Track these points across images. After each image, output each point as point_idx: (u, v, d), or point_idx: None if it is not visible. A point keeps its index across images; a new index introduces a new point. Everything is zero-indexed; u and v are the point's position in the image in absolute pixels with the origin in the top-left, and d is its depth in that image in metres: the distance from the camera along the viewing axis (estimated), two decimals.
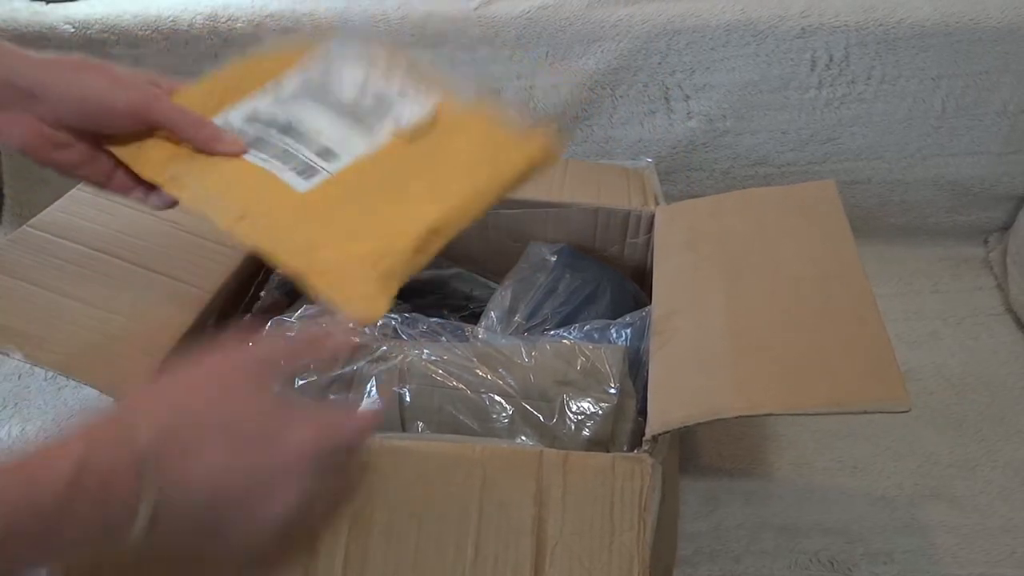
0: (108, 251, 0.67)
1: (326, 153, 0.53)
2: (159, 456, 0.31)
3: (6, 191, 1.15)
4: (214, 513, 0.33)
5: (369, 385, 0.62)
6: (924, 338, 0.97)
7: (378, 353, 0.64)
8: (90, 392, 0.56)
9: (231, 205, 0.49)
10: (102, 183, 0.52)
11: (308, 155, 0.53)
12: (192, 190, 0.51)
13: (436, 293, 0.82)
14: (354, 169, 0.53)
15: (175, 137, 0.52)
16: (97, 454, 0.30)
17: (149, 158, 0.51)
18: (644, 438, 0.52)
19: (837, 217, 0.67)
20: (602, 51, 1.01)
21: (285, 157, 0.53)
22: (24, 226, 0.67)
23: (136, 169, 0.52)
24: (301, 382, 0.64)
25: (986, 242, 1.10)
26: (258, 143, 0.53)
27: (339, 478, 0.42)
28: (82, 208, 0.70)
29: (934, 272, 1.07)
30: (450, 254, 0.82)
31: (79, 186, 0.72)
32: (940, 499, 0.79)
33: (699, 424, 0.52)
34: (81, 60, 0.49)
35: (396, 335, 0.70)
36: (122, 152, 0.51)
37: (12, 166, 1.14)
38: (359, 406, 0.57)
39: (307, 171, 0.52)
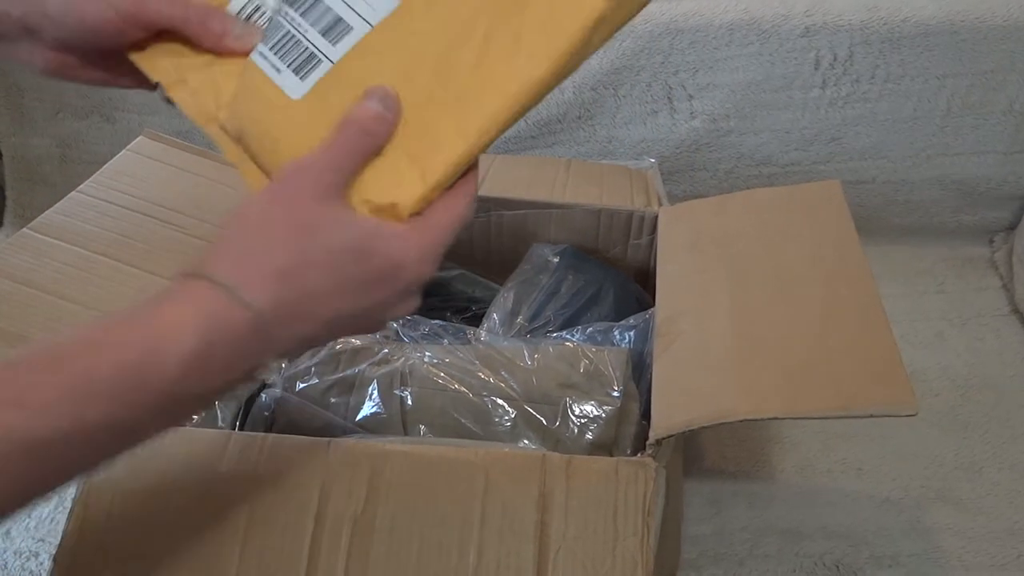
0: (108, 254, 0.66)
1: (334, 28, 0.41)
2: (279, 321, 0.33)
3: (8, 193, 1.15)
4: (333, 337, 0.39)
5: (371, 388, 0.62)
6: (929, 339, 0.96)
7: (379, 356, 0.64)
8: None
9: (231, 125, 0.42)
10: (150, 88, 0.46)
11: (311, 37, 0.41)
12: (193, 101, 0.44)
13: (439, 295, 0.81)
14: (363, 49, 0.40)
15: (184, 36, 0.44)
16: (217, 329, 0.32)
17: (158, 63, 0.44)
18: (648, 441, 0.51)
19: (842, 217, 0.67)
20: (604, 50, 1.00)
21: (286, 47, 0.42)
22: (24, 228, 0.66)
23: (149, 75, 0.45)
24: (302, 385, 0.64)
25: (991, 242, 1.10)
26: (269, 28, 0.43)
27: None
28: (82, 210, 0.70)
29: (939, 272, 1.06)
30: (452, 255, 0.81)
31: (80, 188, 0.72)
32: (945, 502, 0.78)
33: (703, 427, 0.51)
34: None
35: (397, 337, 0.69)
36: (138, 59, 0.45)
37: (14, 168, 1.14)
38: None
39: (305, 64, 0.41)
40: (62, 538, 0.49)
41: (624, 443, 0.59)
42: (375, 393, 0.62)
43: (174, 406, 0.32)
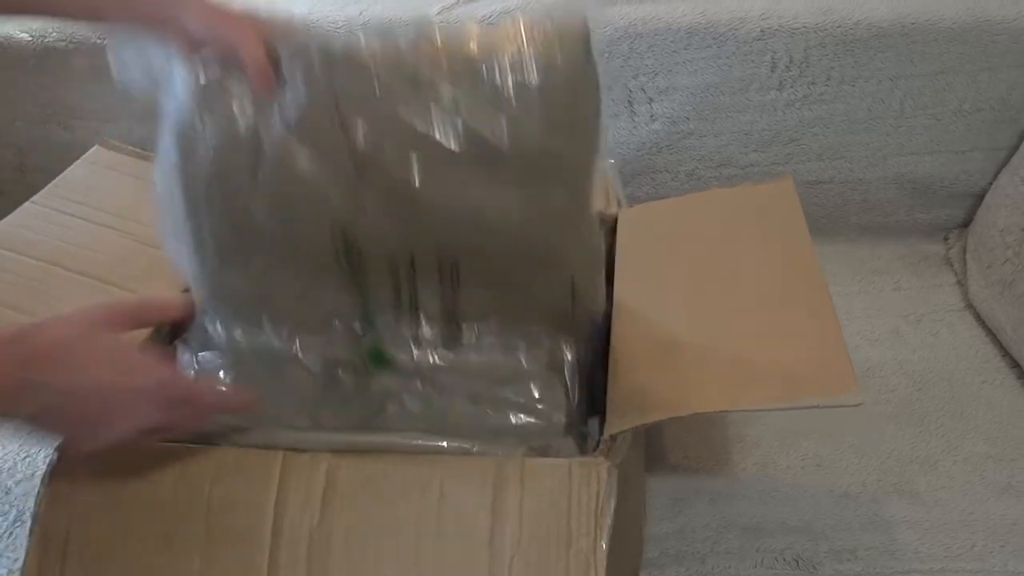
0: (62, 264, 0.66)
1: None
2: (41, 378, 0.41)
3: None
4: (78, 421, 0.43)
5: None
6: (886, 335, 0.98)
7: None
8: None
9: None
10: None
11: None
12: None
13: None
14: None
15: None
16: None
17: None
18: (602, 438, 0.52)
19: (795, 214, 0.68)
20: None
21: None
22: None
23: None
24: None
25: (946, 239, 1.12)
26: None
27: (179, 419, 0.49)
28: (36, 221, 0.70)
29: (895, 270, 1.08)
30: None
31: (33, 199, 0.71)
32: (902, 495, 0.80)
33: (658, 423, 0.52)
34: None
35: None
36: None
37: None
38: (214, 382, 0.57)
39: None
40: (26, 556, 0.49)
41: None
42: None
43: None
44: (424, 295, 0.57)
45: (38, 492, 0.51)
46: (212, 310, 0.59)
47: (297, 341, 0.59)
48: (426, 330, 0.59)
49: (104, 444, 0.44)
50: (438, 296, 0.57)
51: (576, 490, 0.48)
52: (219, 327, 0.59)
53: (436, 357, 0.59)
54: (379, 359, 0.59)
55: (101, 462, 0.51)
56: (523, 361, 0.59)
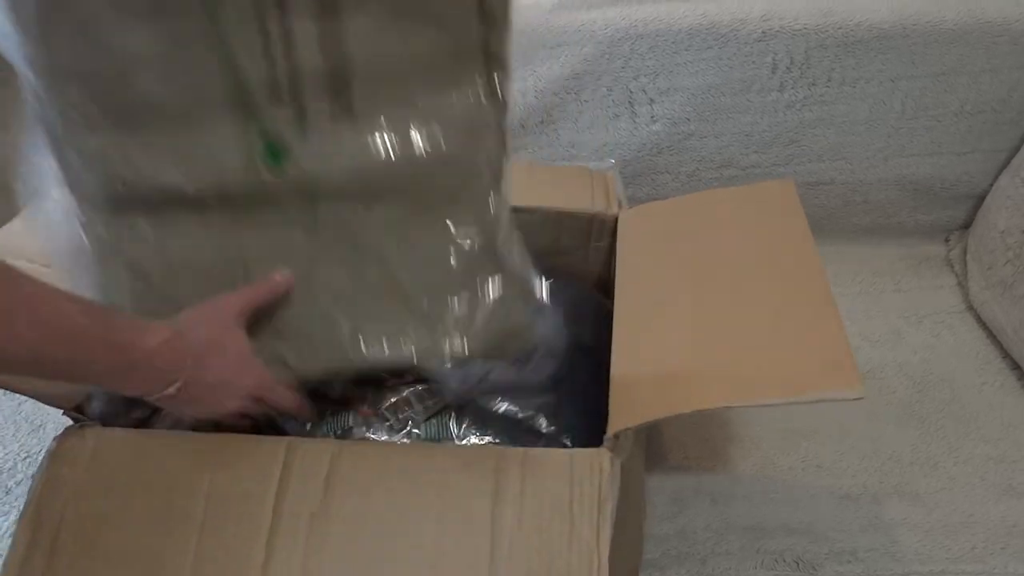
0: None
1: None
2: (196, 361, 0.50)
3: None
4: (201, 403, 0.52)
5: None
6: (887, 337, 0.98)
7: None
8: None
9: None
10: None
11: None
12: None
13: None
14: None
15: None
16: (162, 354, 0.48)
17: None
18: (605, 436, 0.52)
19: (796, 215, 0.68)
20: (566, 56, 1.01)
21: None
22: None
23: None
24: None
25: (947, 241, 1.12)
26: None
27: (260, 411, 0.56)
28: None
29: (896, 271, 1.08)
30: None
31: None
32: (903, 496, 0.80)
33: (660, 421, 0.52)
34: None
35: None
36: None
37: None
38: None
39: None
40: (13, 540, 0.49)
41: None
42: None
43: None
44: (300, 35, 0.48)
45: (33, 477, 0.51)
46: (54, 109, 0.50)
47: (185, 171, 0.51)
48: (311, 101, 0.50)
49: (207, 419, 0.54)
50: (315, 38, 0.48)
51: (578, 479, 0.49)
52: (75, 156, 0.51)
53: (330, 142, 0.51)
54: (275, 153, 0.51)
55: (102, 448, 0.52)
56: (442, 143, 0.52)
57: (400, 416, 0.66)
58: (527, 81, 1.03)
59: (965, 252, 1.07)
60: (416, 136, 0.52)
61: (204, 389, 0.51)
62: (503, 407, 0.62)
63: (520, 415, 0.62)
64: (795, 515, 0.78)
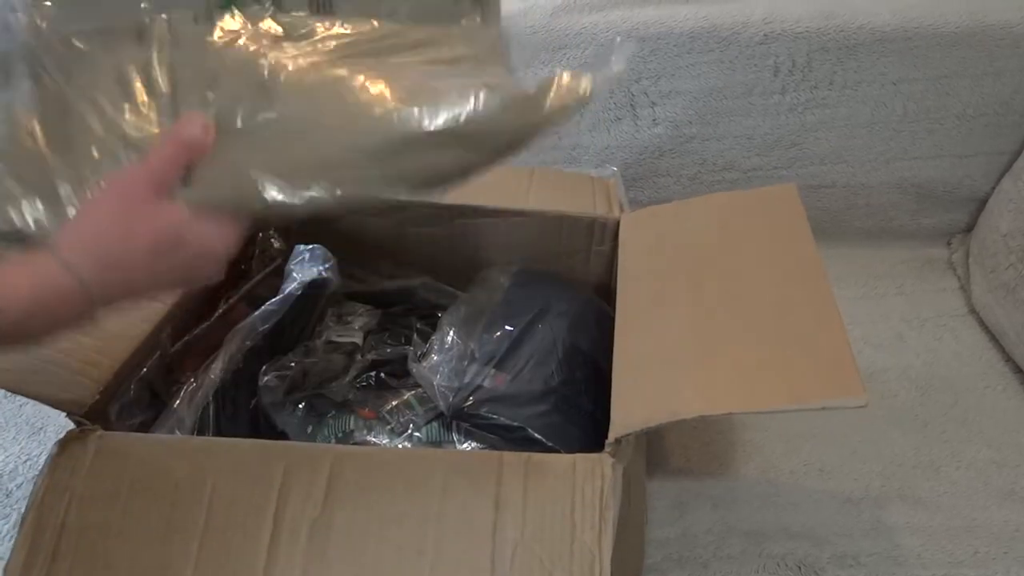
0: None
1: None
2: (101, 280, 0.41)
3: None
4: (144, 290, 0.45)
5: None
6: (889, 340, 0.98)
7: None
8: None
9: None
10: None
11: None
12: None
13: (404, 303, 0.82)
14: None
15: None
16: (50, 290, 0.40)
17: None
18: (607, 441, 0.52)
19: (798, 219, 0.68)
20: (567, 59, 1.01)
21: None
22: None
23: None
24: None
25: (949, 244, 1.12)
26: None
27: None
28: None
29: (899, 274, 1.08)
30: (416, 263, 0.82)
31: None
32: (905, 500, 0.79)
33: (662, 426, 0.52)
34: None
35: None
36: None
37: None
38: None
39: None
40: (13, 547, 0.49)
41: None
42: None
43: (11, 340, 0.40)
44: None
45: (35, 482, 0.51)
46: None
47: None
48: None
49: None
50: None
51: (580, 485, 0.49)
52: None
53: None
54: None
55: (104, 454, 0.51)
56: None
57: (401, 419, 0.66)
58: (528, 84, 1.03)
59: (967, 255, 1.06)
60: None
61: (133, 297, 0.44)
62: (496, 418, 0.62)
63: (514, 424, 0.62)
64: (797, 519, 0.78)
